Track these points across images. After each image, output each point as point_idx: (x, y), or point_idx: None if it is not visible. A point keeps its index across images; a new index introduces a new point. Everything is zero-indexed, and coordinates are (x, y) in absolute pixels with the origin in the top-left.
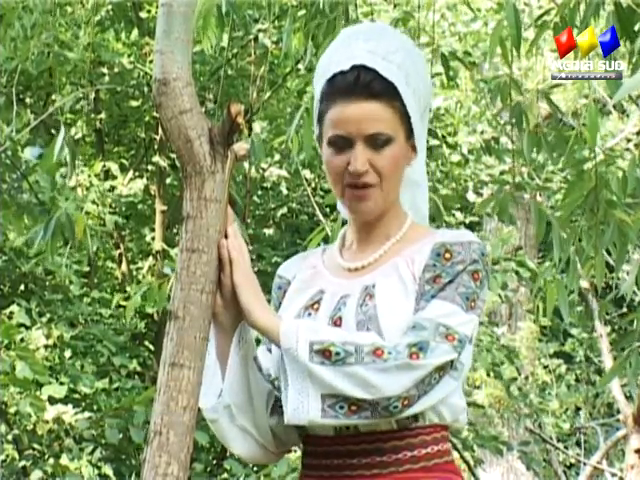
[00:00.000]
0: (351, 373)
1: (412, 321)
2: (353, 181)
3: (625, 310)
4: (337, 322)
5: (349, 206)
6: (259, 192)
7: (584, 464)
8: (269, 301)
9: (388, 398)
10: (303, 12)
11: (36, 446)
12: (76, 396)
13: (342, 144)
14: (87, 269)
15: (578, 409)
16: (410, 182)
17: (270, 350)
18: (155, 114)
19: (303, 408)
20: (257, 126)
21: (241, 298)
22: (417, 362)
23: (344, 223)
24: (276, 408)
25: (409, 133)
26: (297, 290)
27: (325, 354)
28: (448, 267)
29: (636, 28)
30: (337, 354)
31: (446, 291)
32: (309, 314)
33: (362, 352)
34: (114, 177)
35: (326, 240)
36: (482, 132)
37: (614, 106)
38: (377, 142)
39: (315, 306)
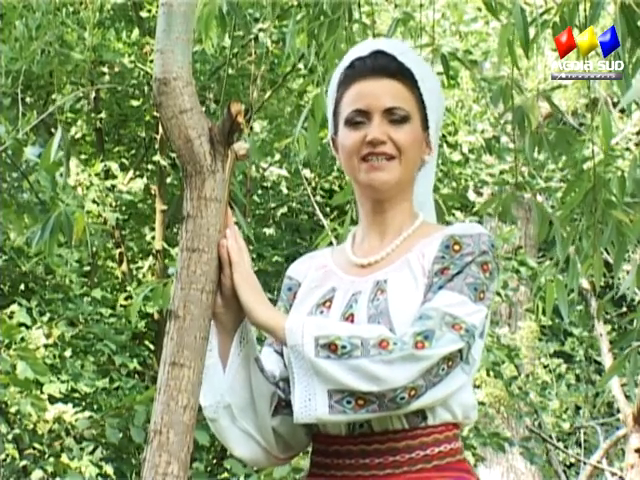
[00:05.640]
0: (357, 366)
1: (419, 312)
2: (370, 150)
3: (625, 309)
4: (349, 319)
5: (363, 179)
6: (259, 191)
7: (584, 463)
8: (271, 300)
9: (394, 389)
10: (305, 12)
11: (37, 445)
12: (76, 395)
13: (360, 119)
14: (87, 268)
15: (578, 408)
16: (421, 185)
17: (276, 351)
18: (155, 113)
19: (310, 406)
20: (257, 125)
21: (242, 298)
22: (422, 352)
23: (354, 222)
24: (280, 409)
25: (424, 124)
26: (309, 290)
27: (331, 348)
28: (457, 259)
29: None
30: (343, 347)
31: (454, 282)
32: (321, 312)
33: (368, 345)
34: (114, 176)
35: (329, 244)
36: (483, 131)
37: (614, 105)
38: (395, 117)
39: (327, 304)
